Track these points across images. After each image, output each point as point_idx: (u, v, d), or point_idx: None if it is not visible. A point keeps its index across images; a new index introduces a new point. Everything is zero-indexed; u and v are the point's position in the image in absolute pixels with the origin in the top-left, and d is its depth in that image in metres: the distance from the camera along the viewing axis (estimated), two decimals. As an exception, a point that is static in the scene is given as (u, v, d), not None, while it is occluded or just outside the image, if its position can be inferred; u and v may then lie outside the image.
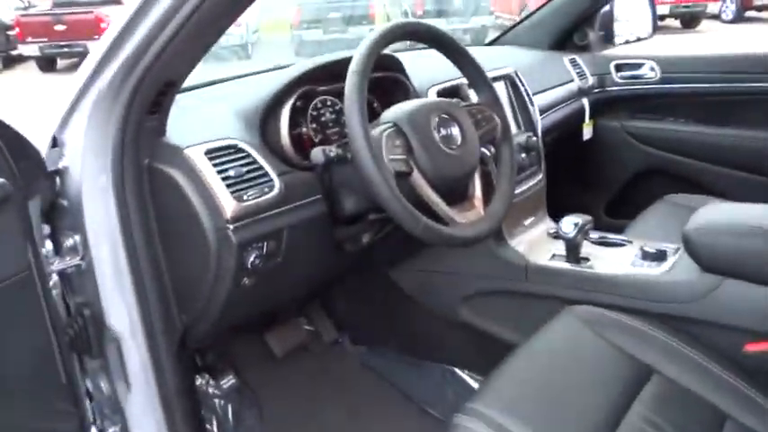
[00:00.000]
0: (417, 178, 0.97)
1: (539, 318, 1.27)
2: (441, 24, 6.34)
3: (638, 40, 2.11)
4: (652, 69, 1.93)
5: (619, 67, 2.00)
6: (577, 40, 2.02)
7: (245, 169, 0.98)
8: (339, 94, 1.08)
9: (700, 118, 1.91)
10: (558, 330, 1.14)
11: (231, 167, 0.96)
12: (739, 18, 10.79)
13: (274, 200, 1.00)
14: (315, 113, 1.16)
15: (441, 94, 1.32)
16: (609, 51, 2.04)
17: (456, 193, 1.06)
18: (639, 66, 1.96)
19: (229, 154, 0.98)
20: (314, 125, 1.16)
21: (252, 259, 0.99)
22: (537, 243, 1.43)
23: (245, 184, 0.97)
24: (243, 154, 1.00)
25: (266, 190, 0.99)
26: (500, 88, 1.53)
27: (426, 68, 1.35)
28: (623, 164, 2.05)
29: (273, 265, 1.05)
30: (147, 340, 1.01)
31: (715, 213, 1.20)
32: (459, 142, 1.03)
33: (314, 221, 1.09)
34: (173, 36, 0.80)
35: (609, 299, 1.23)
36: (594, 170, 2.10)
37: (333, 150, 0.99)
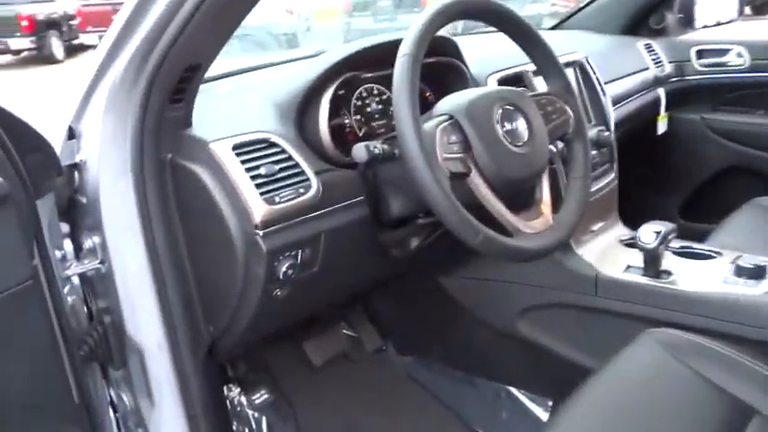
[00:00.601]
0: (476, 180, 0.83)
1: (609, 338, 1.11)
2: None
3: (718, 24, 1.88)
4: (740, 56, 1.71)
5: (701, 54, 1.79)
6: (653, 23, 1.82)
7: (277, 167, 0.86)
8: (387, 82, 0.95)
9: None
10: (639, 357, 0.98)
11: (262, 164, 0.85)
12: None
13: (311, 202, 0.87)
14: (359, 104, 1.03)
15: (502, 82, 1.17)
16: (689, 36, 1.82)
17: (520, 198, 0.91)
18: (725, 52, 1.74)
19: (260, 149, 0.86)
20: (358, 117, 1.03)
21: (284, 269, 0.87)
22: (608, 252, 1.27)
23: (278, 184, 0.85)
24: (276, 149, 0.88)
25: (302, 191, 0.87)
26: (569, 76, 1.36)
27: (486, 53, 1.20)
28: (703, 161, 1.84)
29: (309, 274, 0.93)
30: (171, 352, 0.92)
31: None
32: (525, 138, 0.88)
33: (356, 225, 0.97)
34: (192, 12, 0.69)
35: (696, 321, 1.06)
36: (670, 168, 1.89)
37: (378, 146, 0.86)
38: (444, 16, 0.84)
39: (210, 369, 1.03)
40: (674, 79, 1.78)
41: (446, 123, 0.83)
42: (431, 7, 0.84)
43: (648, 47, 1.76)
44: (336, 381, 1.47)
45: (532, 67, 1.06)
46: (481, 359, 1.42)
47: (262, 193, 0.83)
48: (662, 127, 1.78)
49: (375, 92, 1.05)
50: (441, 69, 1.11)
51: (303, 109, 0.94)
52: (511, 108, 0.89)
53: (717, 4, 1.87)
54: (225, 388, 1.22)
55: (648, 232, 1.11)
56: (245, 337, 1.00)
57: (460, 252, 1.34)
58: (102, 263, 0.89)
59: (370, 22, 8.75)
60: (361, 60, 0.99)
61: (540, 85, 1.15)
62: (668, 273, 1.14)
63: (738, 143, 1.76)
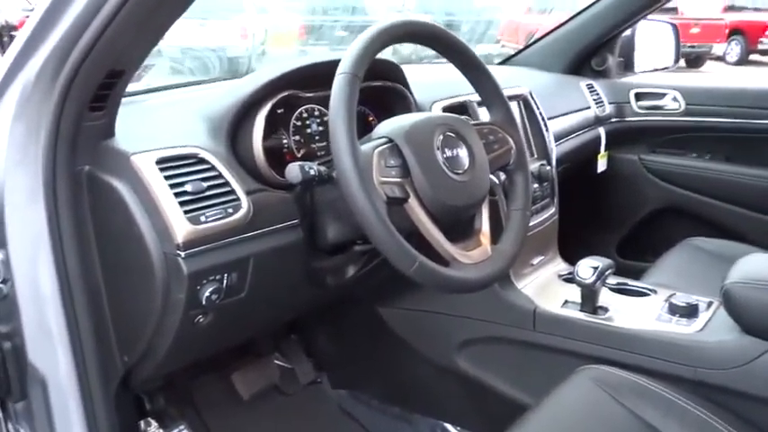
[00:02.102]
0: (414, 206, 0.80)
1: (546, 373, 1.10)
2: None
3: (655, 70, 1.96)
4: (675, 100, 1.78)
5: (639, 96, 1.85)
6: (595, 65, 1.87)
7: (206, 184, 0.81)
8: (328, 103, 0.92)
9: (726, 155, 1.75)
10: (573, 395, 0.96)
11: (189, 181, 0.79)
12: (743, 60, 10.91)
13: (240, 223, 0.82)
14: (299, 124, 1.00)
15: (446, 110, 1.16)
16: (629, 79, 1.89)
17: (459, 227, 0.89)
18: (662, 95, 1.81)
19: (188, 165, 0.81)
20: (297, 138, 0.99)
21: (208, 294, 0.81)
22: (547, 287, 1.26)
23: (205, 203, 0.80)
24: (205, 166, 0.83)
25: (231, 210, 0.82)
26: (513, 109, 1.37)
27: (432, 81, 1.19)
28: (639, 201, 1.88)
29: (236, 301, 0.87)
30: (78, 382, 0.83)
31: (759, 266, 1.03)
32: (466, 166, 0.87)
33: (288, 250, 0.92)
34: (114, 13, 0.64)
35: (631, 359, 1.06)
36: (608, 206, 1.93)
37: (313, 167, 0.82)
38: (386, 36, 0.82)
39: (124, 402, 0.94)
40: (613, 120, 1.83)
41: (384, 146, 0.80)
42: (373, 27, 0.81)
43: (590, 87, 1.81)
44: (266, 415, 1.39)
45: (477, 97, 1.05)
46: (418, 394, 1.38)
47: (186, 212, 0.78)
48: (601, 165, 1.82)
49: (316, 113, 1.02)
50: (385, 94, 1.09)
51: (237, 125, 0.90)
52: (452, 135, 0.87)
53: (655, 51, 1.95)
54: (141, 422, 1.13)
55: (586, 268, 1.11)
56: (163, 367, 0.92)
57: (399, 282, 1.31)
58: (4, 282, 0.81)
59: (326, 51, 8.80)
60: (302, 79, 0.96)
61: (484, 115, 1.15)
62: (604, 309, 1.15)
63: (673, 184, 1.81)
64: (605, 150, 1.81)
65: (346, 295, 1.25)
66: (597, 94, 1.81)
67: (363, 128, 1.07)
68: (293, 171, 0.81)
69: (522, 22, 9.40)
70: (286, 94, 0.93)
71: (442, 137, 0.85)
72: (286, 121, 0.97)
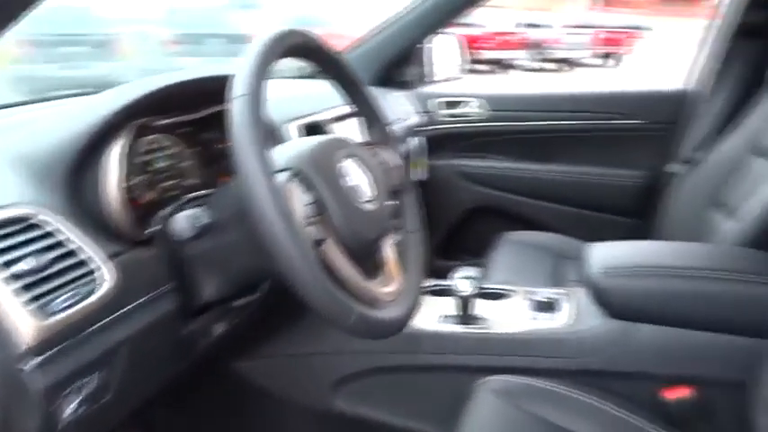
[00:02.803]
0: (331, 247, 0.69)
1: (440, 394, 1.06)
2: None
3: (449, 79, 2.08)
4: (479, 107, 1.91)
5: (445, 105, 1.93)
6: (400, 76, 1.90)
7: (47, 257, 0.58)
8: (182, 131, 0.75)
9: (527, 155, 1.93)
10: (483, 413, 0.93)
11: (23, 256, 0.56)
12: (535, 68, 12.72)
13: (104, 302, 0.61)
14: (148, 159, 0.79)
15: (308, 131, 1.04)
16: (436, 88, 1.97)
17: (369, 261, 0.79)
18: (466, 103, 1.92)
19: (17, 233, 0.57)
20: (142, 177, 0.79)
21: (70, 410, 0.58)
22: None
23: (51, 284, 0.57)
24: (41, 231, 0.59)
25: (89, 288, 0.60)
26: (352, 126, 1.31)
27: (283, 98, 1.06)
28: (454, 203, 1.98)
29: (98, 408, 0.65)
30: None
31: (612, 254, 1.12)
32: (370, 193, 0.77)
33: (162, 324, 0.72)
34: None
35: (519, 362, 1.07)
36: (428, 212, 1.98)
37: (201, 215, 0.65)
38: (282, 46, 0.70)
39: None
40: (425, 128, 1.89)
41: (295, 180, 0.67)
42: (263, 38, 0.67)
43: (398, 99, 1.83)
44: None
45: (331, 114, 0.97)
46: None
47: (27, 302, 0.54)
48: (420, 174, 1.86)
49: (166, 143, 0.83)
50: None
51: (79, 170, 0.67)
52: (353, 160, 0.77)
53: (445, 63, 2.07)
54: None
55: (463, 280, 1.10)
56: None
57: (260, 329, 1.15)
58: None
59: (54, 69, 7.68)
60: (153, 104, 0.76)
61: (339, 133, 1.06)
62: (480, 318, 1.14)
63: (484, 185, 1.94)
64: (421, 159, 1.86)
65: (203, 357, 1.05)
66: (406, 105, 1.85)
67: (213, 156, 0.91)
68: (181, 223, 0.63)
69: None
70: (137, 122, 0.72)
71: (344, 163, 0.75)
72: (132, 156, 0.76)
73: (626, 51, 14.47)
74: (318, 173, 0.70)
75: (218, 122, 0.93)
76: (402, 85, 1.92)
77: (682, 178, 1.61)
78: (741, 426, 0.92)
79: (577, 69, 13.51)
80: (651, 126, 1.80)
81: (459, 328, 1.12)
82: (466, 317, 1.13)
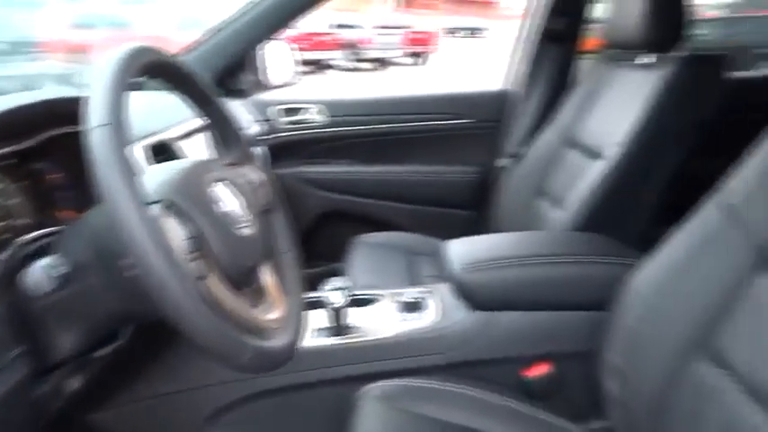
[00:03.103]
0: (215, 281, 0.64)
1: (323, 410, 1.06)
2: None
3: (286, 85, 2.06)
4: (319, 113, 1.90)
5: (284, 112, 1.90)
6: (234, 85, 1.83)
7: None
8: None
9: (369, 157, 1.97)
10: (366, 421, 0.94)
11: None
12: (351, 68, 13.12)
13: None
14: None
15: (154, 151, 0.95)
16: (274, 96, 1.92)
17: (251, 289, 0.75)
18: (306, 110, 1.91)
19: None
20: None
21: None
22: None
23: None
24: None
25: None
26: (199, 142, 1.23)
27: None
28: (303, 211, 1.96)
29: None
30: None
31: (469, 250, 1.20)
32: (245, 217, 0.73)
33: (13, 394, 0.61)
34: None
35: (395, 365, 1.10)
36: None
37: (60, 262, 0.57)
38: (135, 65, 0.62)
39: None
40: (266, 137, 1.84)
41: (169, 212, 0.61)
42: (113, 58, 0.59)
43: (236, 107, 1.76)
44: None
45: (177, 131, 0.90)
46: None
47: None
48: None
49: None
50: (71, 141, 0.83)
51: None
52: (222, 184, 0.72)
53: (279, 69, 2.03)
54: None
55: (335, 292, 1.09)
56: None
57: (118, 375, 1.03)
58: None
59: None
60: None
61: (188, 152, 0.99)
62: (353, 327, 1.15)
63: (331, 191, 1.95)
64: (265, 167, 1.81)
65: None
66: (243, 114, 1.79)
67: (49, 191, 0.81)
68: (36, 276, 0.54)
69: (68, 38, 8.77)
70: None
71: (214, 188, 0.70)
72: None
73: (432, 50, 15.54)
74: (192, 203, 0.65)
75: (46, 151, 0.81)
76: (237, 93, 1.85)
77: (509, 172, 1.77)
78: (592, 391, 1.04)
79: (391, 68, 14.19)
80: (480, 125, 1.95)
81: (334, 340, 1.11)
82: (339, 328, 1.12)
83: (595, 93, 1.59)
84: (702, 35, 4.78)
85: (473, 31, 17.87)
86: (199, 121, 1.28)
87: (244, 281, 0.71)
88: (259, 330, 0.69)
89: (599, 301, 1.05)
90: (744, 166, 0.90)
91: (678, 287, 0.92)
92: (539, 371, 1.11)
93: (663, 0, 1.35)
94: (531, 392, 1.10)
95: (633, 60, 1.50)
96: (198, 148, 1.22)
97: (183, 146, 1.07)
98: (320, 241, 1.99)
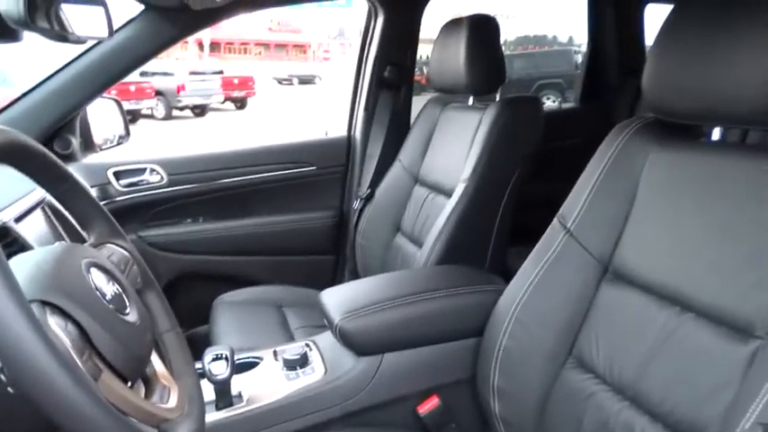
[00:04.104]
0: (108, 379, 0.58)
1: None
2: None
3: (119, 144, 1.92)
4: (156, 173, 1.80)
5: (118, 175, 1.77)
6: (59, 148, 1.66)
7: None
8: None
9: (218, 213, 1.90)
10: None
11: None
12: (169, 116, 12.82)
13: None
14: None
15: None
16: (104, 159, 1.77)
17: (143, 377, 0.69)
18: (142, 171, 1.79)
19: None
20: None
21: None
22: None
23: None
24: None
25: None
26: (37, 222, 1.09)
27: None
28: (154, 276, 1.82)
29: None
30: None
31: (343, 298, 1.21)
32: (127, 303, 0.68)
33: None
34: None
35: (291, 426, 1.06)
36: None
37: None
38: None
39: None
40: (102, 203, 1.69)
41: (50, 312, 0.54)
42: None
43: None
44: None
45: (13, 212, 0.81)
46: None
47: None
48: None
49: None
50: None
51: None
52: (98, 270, 0.66)
53: (108, 126, 1.89)
54: None
55: (217, 363, 1.03)
56: None
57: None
58: None
59: None
60: None
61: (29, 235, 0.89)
62: (240, 395, 1.09)
63: (179, 252, 1.84)
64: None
65: None
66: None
67: None
68: None
69: None
70: None
71: (90, 276, 0.64)
72: None
73: (250, 95, 15.48)
74: (72, 298, 0.58)
75: None
76: (63, 158, 1.68)
77: (363, 213, 1.83)
78: (481, 415, 1.11)
79: (210, 114, 13.85)
80: (328, 170, 1.99)
81: (221, 414, 1.05)
82: (225, 400, 1.06)
83: (433, 133, 1.73)
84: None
85: (303, 80, 18.18)
86: (34, 197, 1.15)
87: (136, 372, 0.65)
88: (159, 422, 0.64)
89: (475, 328, 1.13)
90: (573, 193, 1.04)
91: (540, 304, 1.03)
92: (430, 405, 1.15)
93: (482, 49, 1.51)
94: (426, 427, 1.13)
95: (463, 102, 1.66)
96: (39, 229, 1.09)
97: (23, 228, 0.95)
98: (177, 307, 1.85)
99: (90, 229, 0.80)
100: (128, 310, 0.66)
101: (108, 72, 1.58)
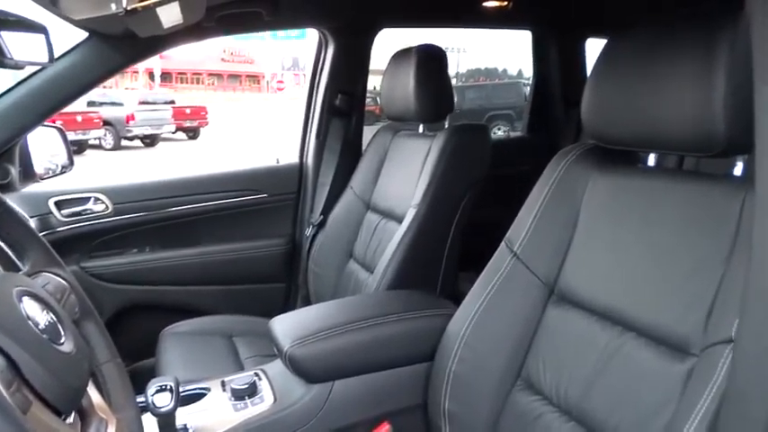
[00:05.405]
0: (39, 411, 0.56)
1: None
2: None
3: (60, 173, 1.86)
4: (101, 202, 1.74)
5: (60, 204, 1.71)
6: (-1, 177, 1.60)
7: None
8: None
9: (163, 243, 1.85)
10: None
11: None
12: (118, 146, 12.66)
13: None
14: None
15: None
16: (44, 188, 1.71)
17: (79, 410, 0.66)
18: (85, 200, 1.73)
19: None
20: None
21: None
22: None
23: None
24: None
25: None
26: None
27: None
28: (97, 309, 1.75)
29: None
30: None
31: (293, 326, 1.19)
32: (62, 333, 0.65)
33: None
34: None
35: None
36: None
37: None
38: None
39: None
40: (43, 233, 1.63)
41: None
42: None
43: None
44: None
45: None
46: None
47: None
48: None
49: None
50: None
51: None
52: (30, 298, 0.63)
53: (50, 155, 1.83)
54: None
55: (161, 395, 0.99)
56: None
57: None
58: None
59: None
60: None
61: None
62: (186, 428, 1.05)
63: (124, 283, 1.78)
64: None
65: None
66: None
67: None
68: None
69: None
70: None
71: (22, 304, 0.61)
72: None
73: (202, 124, 15.30)
74: (0, 328, 0.56)
75: None
76: (3, 187, 1.61)
77: (315, 240, 1.82)
78: None
79: (161, 144, 13.60)
80: (279, 197, 1.97)
81: None
82: (170, 432, 1.02)
83: (384, 160, 1.75)
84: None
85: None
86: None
87: (71, 404, 0.62)
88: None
89: (426, 353, 1.13)
90: (519, 217, 1.07)
91: (488, 328, 1.04)
92: (383, 431, 1.14)
93: (430, 78, 1.55)
94: None
95: (413, 129, 1.69)
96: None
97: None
98: (122, 340, 1.78)
99: (25, 257, 0.77)
100: (62, 340, 0.64)
101: (50, 99, 1.53)
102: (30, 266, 0.76)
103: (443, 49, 1.59)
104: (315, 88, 1.98)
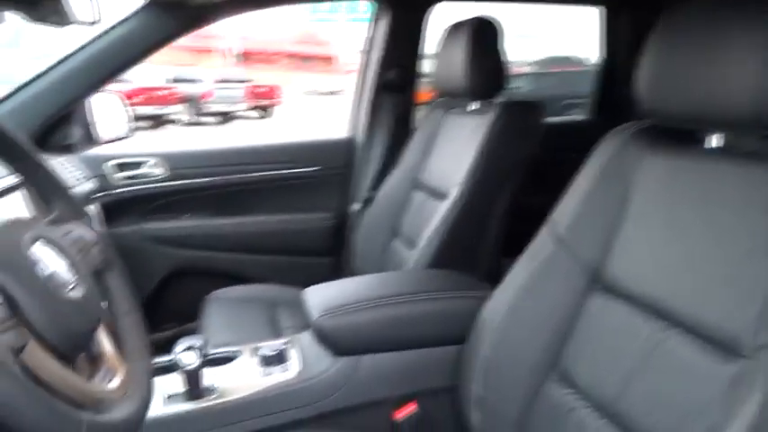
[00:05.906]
0: (34, 350, 0.56)
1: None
2: None
3: (119, 139, 1.93)
4: (158, 166, 1.80)
5: (119, 167, 1.77)
6: (60, 140, 1.67)
7: None
8: None
9: (217, 210, 1.89)
10: None
11: None
12: (193, 122, 13.02)
13: None
14: None
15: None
16: (104, 150, 1.78)
17: (84, 357, 0.67)
18: (142, 164, 1.79)
19: None
20: None
21: None
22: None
23: None
24: None
25: None
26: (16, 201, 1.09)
27: None
28: (149, 270, 1.81)
29: None
30: None
31: (326, 296, 1.18)
32: (72, 280, 0.66)
33: None
34: None
35: (260, 423, 1.04)
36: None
37: None
38: None
39: None
40: (100, 194, 1.69)
41: None
42: None
43: (63, 164, 1.61)
44: None
45: None
46: None
47: None
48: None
49: None
50: None
51: None
52: (44, 244, 0.64)
53: (109, 122, 1.90)
54: None
55: (187, 353, 1.01)
56: None
57: None
58: None
59: None
60: None
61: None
62: (211, 388, 1.06)
63: (178, 246, 1.83)
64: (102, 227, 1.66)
65: None
66: (72, 171, 1.63)
67: None
68: None
69: None
70: None
71: (33, 248, 0.62)
72: None
73: (276, 103, 15.66)
74: (3, 266, 0.57)
75: None
76: (63, 149, 1.69)
77: (362, 216, 1.80)
78: (458, 425, 1.06)
79: (235, 122, 14.01)
80: (328, 172, 1.97)
81: (191, 406, 1.02)
82: (196, 391, 1.03)
83: (433, 137, 1.70)
84: (517, 88, 5.35)
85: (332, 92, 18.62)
86: (11, 178, 1.15)
87: (75, 350, 0.63)
88: (96, 402, 0.61)
89: (457, 335, 1.09)
90: (565, 199, 1.00)
91: (525, 314, 0.98)
92: (407, 411, 1.11)
93: (482, 54, 1.48)
94: None
95: (463, 107, 1.63)
96: (16, 208, 1.08)
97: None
98: (171, 302, 1.85)
99: (50, 206, 0.79)
100: (72, 286, 0.64)
101: (108, 65, 1.59)
102: (54, 215, 0.78)
103: (499, 23, 1.52)
104: (367, 62, 1.94)
